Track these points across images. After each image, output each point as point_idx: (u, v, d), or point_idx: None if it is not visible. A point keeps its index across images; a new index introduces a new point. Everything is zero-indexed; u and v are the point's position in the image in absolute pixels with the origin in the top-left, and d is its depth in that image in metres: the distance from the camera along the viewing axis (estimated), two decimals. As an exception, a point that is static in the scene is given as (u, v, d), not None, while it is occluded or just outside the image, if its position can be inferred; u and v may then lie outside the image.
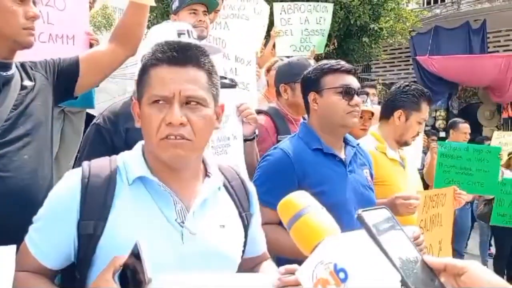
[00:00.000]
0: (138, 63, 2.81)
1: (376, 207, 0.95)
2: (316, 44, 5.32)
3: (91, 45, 3.04)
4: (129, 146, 1.33)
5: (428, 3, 11.89)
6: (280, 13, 5.19)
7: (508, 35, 11.77)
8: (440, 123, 12.17)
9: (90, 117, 3.08)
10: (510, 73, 10.30)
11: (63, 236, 1.18)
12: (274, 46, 5.06)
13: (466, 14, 11.22)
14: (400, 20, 9.31)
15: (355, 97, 1.91)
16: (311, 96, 1.98)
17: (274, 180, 1.86)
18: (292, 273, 1.09)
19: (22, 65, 1.70)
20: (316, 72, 1.97)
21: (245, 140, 2.19)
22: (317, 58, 5.23)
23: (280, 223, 1.84)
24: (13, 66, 1.65)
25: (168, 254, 1.16)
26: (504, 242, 5.57)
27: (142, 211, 1.18)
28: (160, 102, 1.16)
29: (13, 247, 0.93)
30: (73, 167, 1.87)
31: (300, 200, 1.00)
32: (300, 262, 1.02)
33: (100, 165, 1.24)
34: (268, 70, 3.90)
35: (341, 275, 0.83)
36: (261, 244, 1.49)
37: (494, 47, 11.79)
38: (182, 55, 1.18)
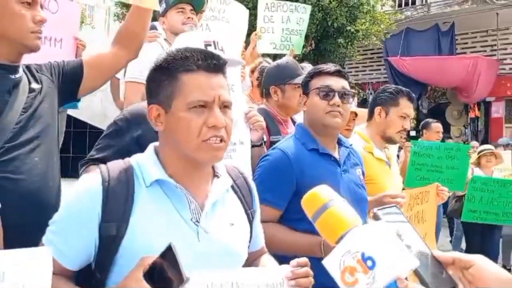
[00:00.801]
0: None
1: (387, 206, 1.04)
2: (295, 44, 5.40)
3: (77, 49, 3.06)
4: (140, 145, 1.38)
5: (400, 5, 12.19)
6: (264, 10, 5.24)
7: (475, 37, 12.18)
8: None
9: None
10: (477, 74, 10.67)
11: (85, 238, 1.20)
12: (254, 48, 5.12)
13: (435, 16, 11.57)
14: (375, 23, 9.53)
15: (336, 97, 1.98)
16: (303, 98, 2.09)
17: (273, 179, 1.93)
18: (303, 266, 1.20)
19: (28, 68, 1.71)
20: (306, 76, 2.09)
21: (253, 146, 2.25)
22: (295, 58, 5.31)
23: (277, 221, 1.95)
24: (21, 69, 1.67)
25: (186, 253, 1.18)
26: (474, 237, 5.75)
27: (161, 212, 1.23)
28: (199, 107, 1.22)
29: (49, 249, 0.96)
30: (86, 158, 1.91)
31: (325, 193, 1.07)
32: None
33: (117, 167, 1.27)
34: (253, 71, 3.96)
35: (369, 263, 0.90)
36: (261, 239, 1.56)
37: (462, 48, 12.19)
38: (217, 63, 1.26)
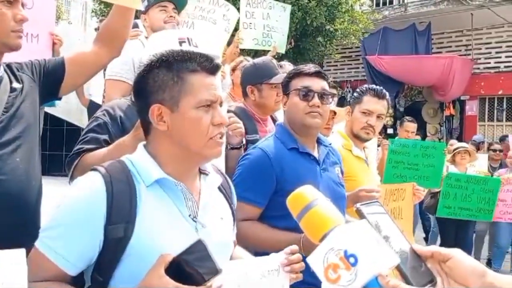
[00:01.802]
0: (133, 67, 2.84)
1: (370, 202, 1.08)
2: (277, 41, 5.44)
3: (54, 45, 3.03)
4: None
5: (378, 5, 12.35)
6: (246, 6, 5.27)
7: (451, 37, 12.43)
8: (387, 120, 12.63)
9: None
10: (452, 73, 10.90)
11: (89, 241, 1.19)
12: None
13: (412, 16, 11.76)
14: (353, 22, 9.65)
15: (315, 98, 2.02)
16: (283, 99, 2.12)
17: (254, 177, 1.96)
18: (295, 253, 1.31)
19: (9, 66, 1.70)
20: (287, 76, 2.12)
21: (232, 148, 2.27)
22: (274, 57, 5.35)
23: (258, 219, 1.98)
24: (1, 69, 1.66)
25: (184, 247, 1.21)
26: (448, 232, 5.88)
27: (163, 210, 1.26)
28: (206, 106, 1.27)
29: (22, 251, 0.95)
30: (74, 151, 1.89)
31: (309, 193, 1.10)
32: None
33: (115, 168, 1.27)
34: (234, 70, 3.98)
35: (351, 260, 0.94)
36: (235, 232, 1.61)
37: (438, 48, 12.42)
38: (215, 65, 1.31)
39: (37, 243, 1.20)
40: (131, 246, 1.19)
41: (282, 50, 5.59)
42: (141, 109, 1.32)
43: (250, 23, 5.27)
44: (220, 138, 1.31)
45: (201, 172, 1.40)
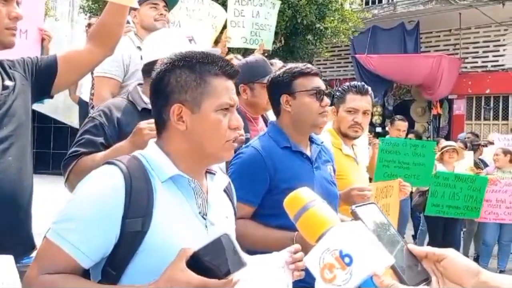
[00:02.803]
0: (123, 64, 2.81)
1: (365, 203, 1.09)
2: (265, 39, 5.44)
3: (43, 40, 3.00)
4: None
5: (367, 3, 12.41)
6: (234, 4, 5.24)
7: (439, 36, 12.53)
8: (376, 119, 12.72)
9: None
10: (440, 72, 10.99)
11: (107, 235, 1.20)
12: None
13: (401, 15, 11.83)
14: (343, 21, 9.68)
15: (325, 98, 2.05)
16: (284, 98, 2.07)
17: (247, 176, 1.96)
18: (298, 251, 1.37)
19: (1, 64, 1.68)
20: (286, 75, 2.07)
21: None
22: (264, 54, 5.35)
23: (251, 218, 1.99)
24: None
25: (198, 245, 1.21)
26: (436, 230, 5.95)
27: (176, 206, 1.28)
28: (224, 109, 1.31)
29: (10, 257, 0.95)
30: (70, 154, 1.89)
31: (305, 195, 1.12)
32: None
33: (132, 163, 1.28)
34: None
35: (346, 260, 0.95)
36: None
37: (426, 47, 12.52)
38: (233, 69, 1.35)
39: (51, 235, 1.20)
40: (147, 241, 1.21)
41: (269, 47, 5.59)
42: (160, 107, 1.33)
43: (239, 22, 5.25)
44: (234, 141, 1.34)
45: (208, 171, 1.42)
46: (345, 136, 2.73)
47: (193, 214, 1.31)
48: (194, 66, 1.31)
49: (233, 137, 1.33)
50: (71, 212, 1.22)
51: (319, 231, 1.03)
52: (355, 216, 1.02)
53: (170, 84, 1.31)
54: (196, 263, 1.11)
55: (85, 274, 1.25)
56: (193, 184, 1.32)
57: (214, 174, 1.43)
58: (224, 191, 1.49)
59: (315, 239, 1.03)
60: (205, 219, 1.33)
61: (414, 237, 7.42)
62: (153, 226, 1.22)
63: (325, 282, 0.97)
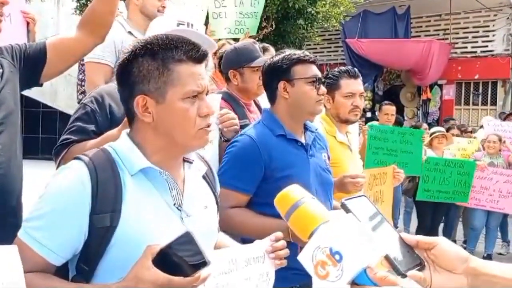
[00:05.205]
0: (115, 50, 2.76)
1: (355, 195, 1.09)
2: (250, 26, 5.34)
3: (28, 24, 2.94)
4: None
5: (358, -13, 12.33)
6: None
7: (429, 21, 12.53)
8: (366, 104, 12.76)
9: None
10: (430, 57, 11.02)
11: (75, 231, 1.17)
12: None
13: (392, -1, 11.80)
14: (335, 5, 9.62)
15: (322, 86, 2.04)
16: (281, 84, 2.04)
17: (242, 165, 1.95)
18: (280, 239, 1.35)
19: None
20: (285, 61, 2.03)
21: (225, 141, 2.24)
22: (254, 39, 5.28)
23: (246, 206, 1.98)
24: None
25: (172, 237, 1.19)
26: (425, 215, 6.04)
27: (147, 199, 1.24)
28: (192, 97, 1.24)
29: (14, 247, 0.93)
30: (61, 141, 1.85)
31: (295, 192, 1.12)
32: None
33: (99, 157, 1.24)
34: (215, 53, 3.93)
35: (337, 256, 0.98)
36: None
37: (417, 32, 12.53)
38: (202, 53, 1.27)
39: (20, 234, 1.18)
40: (117, 235, 1.18)
41: (254, 32, 5.50)
42: (126, 98, 1.29)
43: (220, 12, 5.13)
44: (208, 127, 1.29)
45: (185, 160, 1.38)
46: (345, 121, 2.71)
47: (166, 206, 1.27)
48: (156, 53, 1.24)
49: (205, 125, 1.27)
50: (37, 209, 1.19)
51: (310, 228, 1.04)
52: (346, 209, 1.02)
53: (133, 74, 1.25)
54: (163, 260, 1.08)
55: (65, 271, 1.23)
56: (165, 175, 1.28)
57: (191, 162, 1.39)
58: (204, 178, 1.44)
59: (307, 237, 1.04)
60: (180, 210, 1.29)
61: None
62: (122, 220, 1.19)
63: (320, 279, 1.00)
